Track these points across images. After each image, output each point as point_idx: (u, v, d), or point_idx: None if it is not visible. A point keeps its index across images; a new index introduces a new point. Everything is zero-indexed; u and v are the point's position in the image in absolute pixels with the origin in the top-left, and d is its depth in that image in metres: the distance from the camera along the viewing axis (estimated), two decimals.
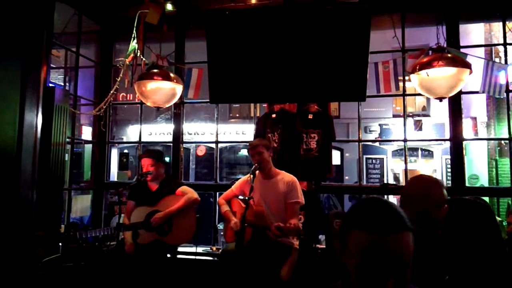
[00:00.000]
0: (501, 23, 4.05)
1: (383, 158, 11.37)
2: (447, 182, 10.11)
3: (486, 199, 3.09)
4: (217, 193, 4.44)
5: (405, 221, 1.06)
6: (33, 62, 2.20)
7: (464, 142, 4.01)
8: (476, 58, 3.70)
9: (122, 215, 3.65)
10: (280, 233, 2.92)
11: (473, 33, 8.00)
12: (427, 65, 3.40)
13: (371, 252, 1.02)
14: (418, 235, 1.07)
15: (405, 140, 4.22)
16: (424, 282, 1.40)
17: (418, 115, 10.91)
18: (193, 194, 3.68)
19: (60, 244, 3.54)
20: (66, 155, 3.82)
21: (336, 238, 3.94)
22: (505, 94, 3.79)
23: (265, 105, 4.42)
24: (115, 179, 5.72)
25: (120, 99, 10.06)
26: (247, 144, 3.61)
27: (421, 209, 1.83)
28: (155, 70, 3.89)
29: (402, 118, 4.29)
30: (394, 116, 11.10)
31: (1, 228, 2.02)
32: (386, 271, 1.01)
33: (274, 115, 4.14)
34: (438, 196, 1.87)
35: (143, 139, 4.90)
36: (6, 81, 2.04)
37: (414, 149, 11.22)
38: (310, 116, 4.08)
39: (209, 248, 4.35)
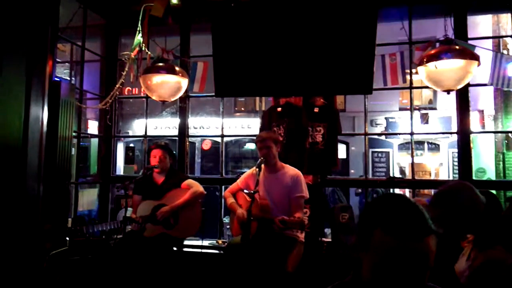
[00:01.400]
0: (509, 15, 4.00)
1: (389, 152, 11.32)
2: (454, 175, 10.07)
3: (493, 192, 3.06)
4: (223, 186, 4.44)
5: (430, 224, 1.05)
6: (39, 56, 2.20)
7: (471, 135, 3.97)
8: (484, 50, 3.65)
9: (129, 208, 3.67)
10: (284, 226, 2.94)
11: (481, 24, 7.90)
12: (435, 57, 3.35)
13: (394, 255, 1.02)
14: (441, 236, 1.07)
15: (411, 133, 4.19)
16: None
17: (425, 108, 10.83)
18: (198, 187, 3.69)
19: (67, 237, 3.57)
20: (73, 149, 3.83)
21: (351, 232, 3.94)
22: None
23: (271, 98, 4.40)
24: (122, 173, 5.74)
25: (126, 93, 10.08)
26: (253, 137, 3.60)
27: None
28: (161, 64, 3.88)
29: (409, 111, 4.25)
30: (401, 109, 11.03)
31: (8, 221, 2.03)
32: (406, 273, 1.01)
33: (279, 109, 4.11)
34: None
35: (148, 133, 4.90)
36: (12, 75, 2.04)
37: (420, 143, 11.15)
38: (316, 110, 4.05)
39: (215, 242, 4.36)
